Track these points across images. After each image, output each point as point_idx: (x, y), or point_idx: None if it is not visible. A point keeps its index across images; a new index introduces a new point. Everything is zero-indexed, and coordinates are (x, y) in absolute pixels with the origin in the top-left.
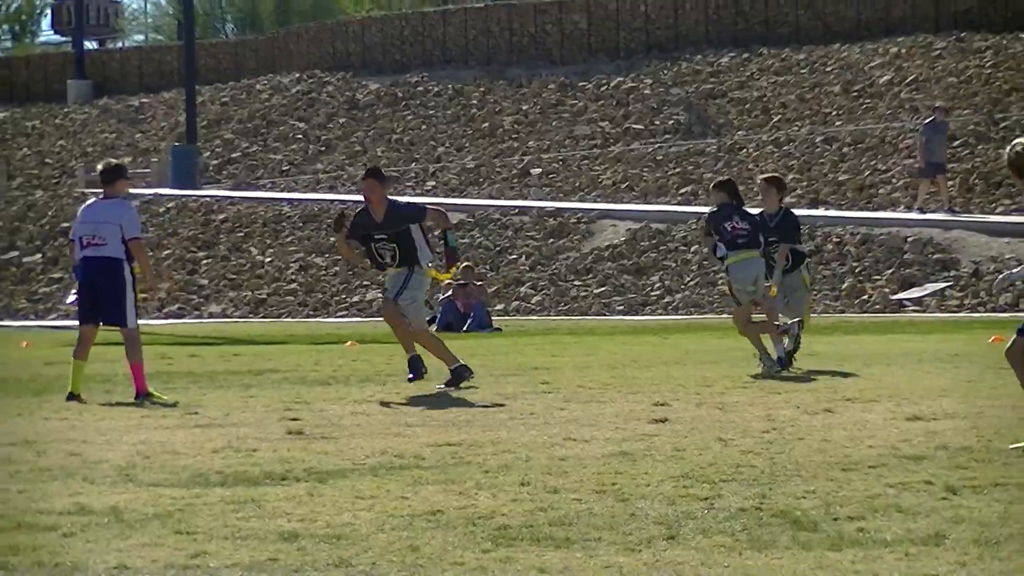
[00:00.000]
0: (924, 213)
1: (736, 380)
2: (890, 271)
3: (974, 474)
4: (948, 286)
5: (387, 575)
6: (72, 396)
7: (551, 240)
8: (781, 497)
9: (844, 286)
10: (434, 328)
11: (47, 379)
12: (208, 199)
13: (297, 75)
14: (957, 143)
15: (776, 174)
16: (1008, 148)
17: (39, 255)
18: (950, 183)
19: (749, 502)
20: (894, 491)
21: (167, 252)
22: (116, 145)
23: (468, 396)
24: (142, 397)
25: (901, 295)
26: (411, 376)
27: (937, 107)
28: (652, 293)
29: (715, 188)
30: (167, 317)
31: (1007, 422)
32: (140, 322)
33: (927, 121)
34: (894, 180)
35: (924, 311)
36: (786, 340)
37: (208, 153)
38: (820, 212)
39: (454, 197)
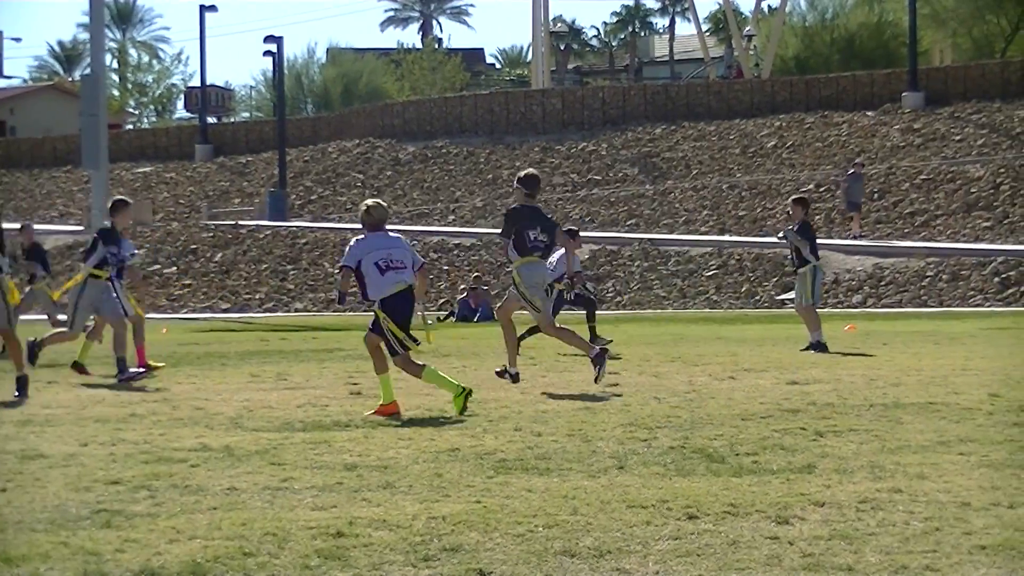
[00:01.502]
0: (858, 238)
1: (666, 356)
2: (775, 279)
3: (835, 422)
4: None
5: (420, 494)
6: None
7: None
8: (698, 439)
9: (743, 290)
10: (452, 320)
11: (180, 355)
12: (294, 228)
13: (357, 141)
14: (822, 189)
15: (803, 195)
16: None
17: (174, 268)
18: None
19: (676, 442)
20: (778, 434)
21: (264, 266)
22: (229, 190)
23: (477, 367)
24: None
25: (783, 296)
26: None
27: (856, 162)
28: (607, 295)
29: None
30: (264, 311)
31: (857, 385)
32: (239, 315)
33: (849, 172)
34: (777, 215)
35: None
36: None
37: (294, 196)
38: (726, 238)
39: (467, 227)
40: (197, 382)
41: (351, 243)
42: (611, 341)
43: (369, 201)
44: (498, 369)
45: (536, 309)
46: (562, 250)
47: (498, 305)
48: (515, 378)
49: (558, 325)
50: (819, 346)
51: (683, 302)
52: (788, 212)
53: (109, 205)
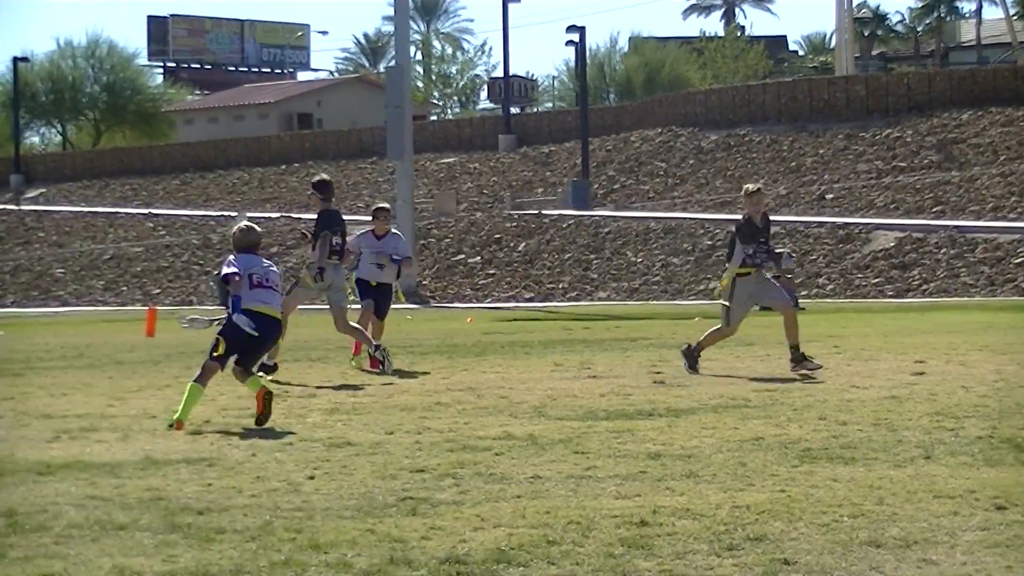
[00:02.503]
0: None
1: (975, 344)
2: None
3: None
4: None
5: (724, 483)
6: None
7: (840, 245)
8: (1008, 428)
9: None
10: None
11: (484, 344)
12: (597, 217)
13: (659, 129)
14: None
15: None
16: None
17: (478, 257)
18: None
19: (984, 432)
20: None
21: (567, 256)
22: (532, 180)
23: (781, 355)
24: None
25: None
26: None
27: None
28: (913, 282)
29: None
30: (567, 300)
31: None
32: (543, 304)
33: None
34: None
35: None
36: None
37: (596, 185)
38: None
39: (771, 215)
40: (501, 371)
41: (229, 258)
42: None
43: (243, 224)
44: (268, 363)
45: (336, 304)
46: None
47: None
48: (271, 369)
49: (351, 324)
50: None
51: (991, 290)
52: None
53: (748, 194)
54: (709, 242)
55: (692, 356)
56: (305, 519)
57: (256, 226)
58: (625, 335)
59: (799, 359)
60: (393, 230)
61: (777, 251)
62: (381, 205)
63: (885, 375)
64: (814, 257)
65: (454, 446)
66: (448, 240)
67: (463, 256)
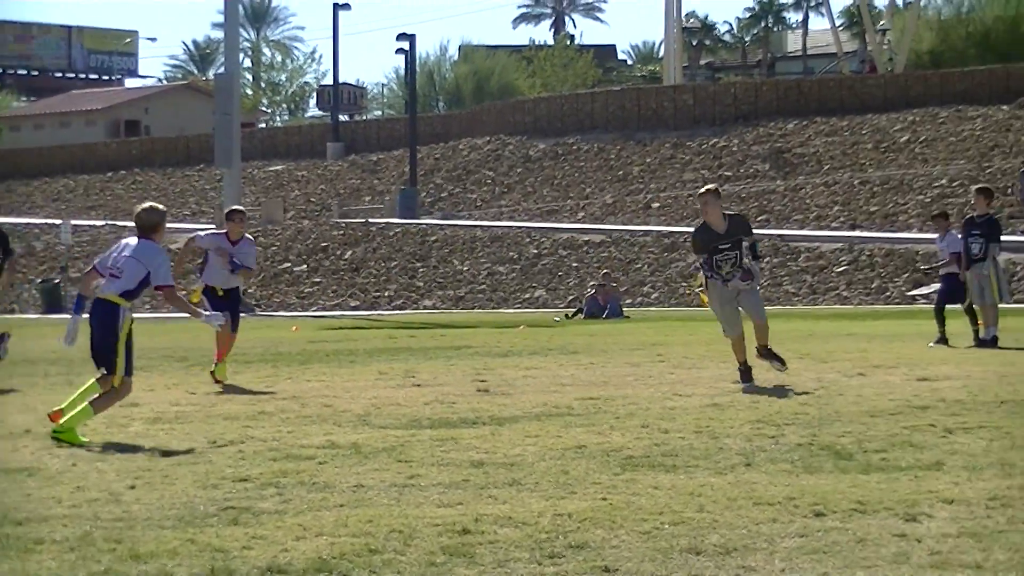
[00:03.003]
0: None
1: (795, 353)
2: (906, 275)
3: (965, 419)
4: None
5: (547, 491)
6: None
7: (665, 253)
8: (826, 436)
9: (873, 286)
10: (580, 317)
11: (309, 352)
12: (424, 226)
13: (488, 138)
14: (955, 184)
15: (987, 185)
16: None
17: (305, 266)
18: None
19: (804, 439)
20: (907, 431)
21: (394, 264)
22: (360, 188)
23: (605, 364)
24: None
25: (914, 292)
26: None
27: None
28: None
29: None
30: (393, 308)
31: (988, 382)
32: (369, 312)
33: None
34: (909, 211)
35: (929, 304)
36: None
37: (424, 193)
38: (857, 233)
39: (597, 224)
40: (326, 379)
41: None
42: None
43: (145, 204)
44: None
45: None
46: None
47: None
48: None
49: None
50: (993, 341)
51: (813, 298)
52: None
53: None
54: (535, 251)
55: (745, 372)
56: (126, 529)
57: (159, 206)
58: (450, 343)
59: (768, 355)
60: (247, 235)
61: (742, 265)
62: (236, 207)
63: (708, 383)
64: (639, 265)
65: (277, 455)
66: (275, 248)
67: (289, 264)
